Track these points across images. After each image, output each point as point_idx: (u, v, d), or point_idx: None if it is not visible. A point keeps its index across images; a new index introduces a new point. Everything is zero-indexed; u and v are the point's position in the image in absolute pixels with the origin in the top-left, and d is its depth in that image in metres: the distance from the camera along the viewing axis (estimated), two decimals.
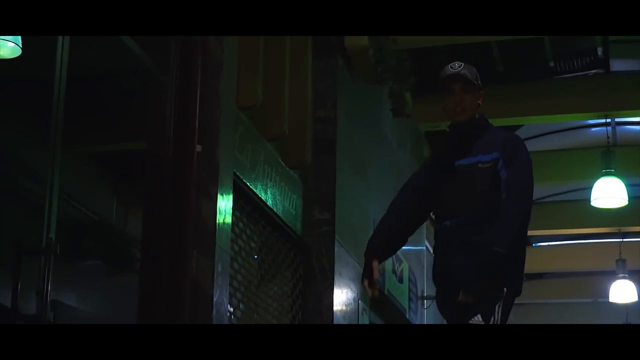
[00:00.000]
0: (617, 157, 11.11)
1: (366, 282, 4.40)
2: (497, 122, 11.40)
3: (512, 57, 10.75)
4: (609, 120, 11.81)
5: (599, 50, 10.87)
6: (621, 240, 15.44)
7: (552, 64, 11.02)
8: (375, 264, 4.42)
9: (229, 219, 5.82)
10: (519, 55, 10.76)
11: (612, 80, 11.01)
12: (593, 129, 13.26)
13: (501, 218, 4.15)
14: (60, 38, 4.56)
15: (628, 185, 11.14)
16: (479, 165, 4.30)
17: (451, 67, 4.46)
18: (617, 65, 11.25)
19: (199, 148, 5.62)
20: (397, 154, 10.13)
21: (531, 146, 13.67)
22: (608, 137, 11.34)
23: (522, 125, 12.47)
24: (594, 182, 11.25)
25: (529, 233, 14.86)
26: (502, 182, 4.24)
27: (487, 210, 4.23)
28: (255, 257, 7.03)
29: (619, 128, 12.81)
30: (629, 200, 11.16)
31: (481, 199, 4.27)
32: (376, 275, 4.39)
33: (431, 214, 4.68)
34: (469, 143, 4.39)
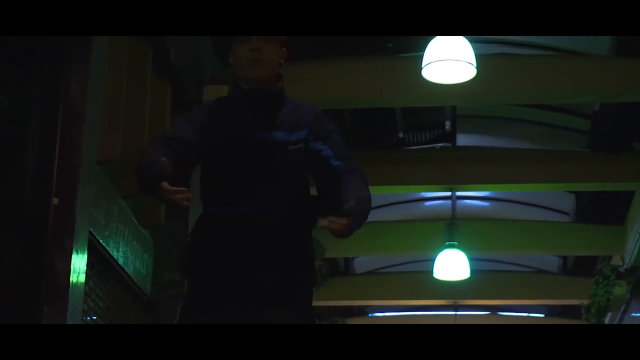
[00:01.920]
0: (462, 229, 11.35)
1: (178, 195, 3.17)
2: None
3: (363, 126, 10.87)
4: (450, 193, 12.07)
5: (447, 124, 11.14)
6: (456, 313, 15.74)
7: (401, 134, 11.22)
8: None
9: (82, 277, 5.58)
10: (370, 125, 10.91)
11: (458, 153, 11.28)
12: (433, 202, 13.54)
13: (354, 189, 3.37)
14: None
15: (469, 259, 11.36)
16: (289, 146, 3.42)
17: None
18: (463, 139, 11.55)
19: (55, 201, 5.39)
20: None
21: (376, 216, 13.93)
22: (453, 210, 11.58)
23: None
24: (436, 254, 11.41)
25: (366, 303, 14.85)
26: (327, 157, 3.44)
27: (297, 202, 3.42)
28: (94, 317, 6.75)
29: (459, 202, 13.12)
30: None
31: (291, 187, 3.43)
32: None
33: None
34: (272, 112, 3.47)
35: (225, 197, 3.40)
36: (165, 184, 3.17)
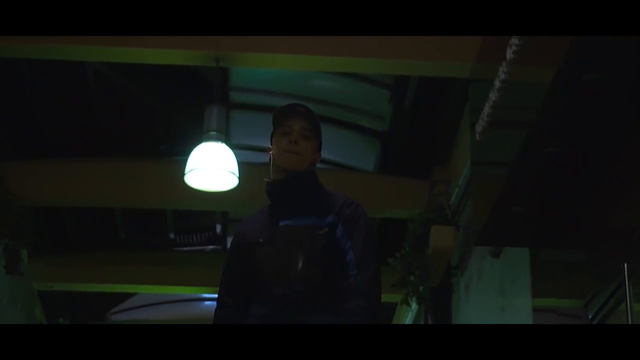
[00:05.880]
0: None
1: None
2: (114, 287, 11.55)
3: (134, 225, 10.88)
4: None
5: (218, 227, 11.29)
6: None
7: (172, 235, 11.28)
8: None
9: None
10: (141, 224, 10.92)
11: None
12: (207, 302, 13.58)
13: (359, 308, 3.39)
14: None
15: None
16: (317, 231, 3.49)
17: (290, 105, 3.71)
18: None
19: None
20: (8, 311, 9.81)
21: (144, 315, 13.77)
22: None
23: (137, 292, 12.56)
24: None
25: None
26: (348, 257, 3.48)
27: (326, 282, 3.48)
28: None
29: None
30: None
31: (319, 268, 3.48)
32: None
33: None
34: (299, 200, 3.56)
35: (261, 289, 3.51)
36: None
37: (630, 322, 4.06)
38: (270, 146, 3.67)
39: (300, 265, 3.46)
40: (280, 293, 3.45)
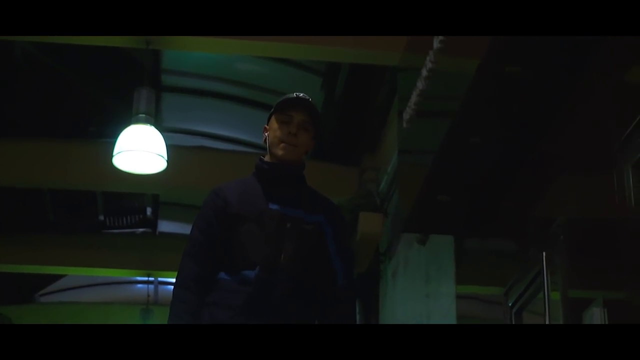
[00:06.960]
0: (156, 315, 11.39)
1: None
2: (42, 269, 11.44)
3: (63, 207, 10.79)
4: (152, 278, 12.12)
5: (149, 210, 11.24)
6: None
7: (102, 217, 11.21)
8: None
9: None
10: (70, 206, 10.84)
11: (158, 240, 11.38)
12: (138, 285, 13.54)
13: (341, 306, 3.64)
14: None
15: None
16: (305, 226, 3.62)
17: (295, 94, 3.77)
18: (164, 226, 11.67)
19: None
20: None
21: (74, 297, 13.70)
22: (148, 296, 11.62)
23: (66, 275, 12.47)
24: None
25: None
26: (336, 265, 3.65)
27: (306, 276, 3.61)
28: None
29: (162, 287, 13.16)
30: None
31: (303, 263, 3.60)
32: None
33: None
34: (291, 189, 3.68)
35: (240, 264, 3.57)
36: None
37: (547, 310, 4.14)
38: (266, 126, 3.75)
39: (287, 255, 3.56)
40: (265, 277, 3.53)
